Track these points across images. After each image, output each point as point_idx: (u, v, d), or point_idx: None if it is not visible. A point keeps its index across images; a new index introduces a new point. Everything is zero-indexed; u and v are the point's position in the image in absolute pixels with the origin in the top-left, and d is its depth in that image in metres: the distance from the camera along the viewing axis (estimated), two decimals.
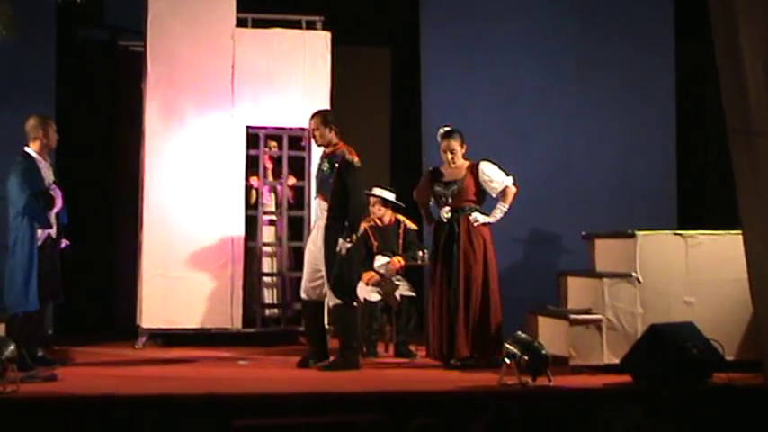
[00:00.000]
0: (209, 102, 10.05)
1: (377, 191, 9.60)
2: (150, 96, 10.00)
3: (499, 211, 8.76)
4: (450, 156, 8.82)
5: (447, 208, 8.78)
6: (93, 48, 11.27)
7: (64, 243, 8.69)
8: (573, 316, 8.49)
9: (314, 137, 8.81)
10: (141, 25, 10.17)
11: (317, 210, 8.75)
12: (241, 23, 10.18)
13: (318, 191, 8.72)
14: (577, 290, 8.97)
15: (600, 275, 8.64)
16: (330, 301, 8.60)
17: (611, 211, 10.25)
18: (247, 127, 10.14)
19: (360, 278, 9.18)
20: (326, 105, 9.99)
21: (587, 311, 8.54)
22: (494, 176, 8.74)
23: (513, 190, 8.76)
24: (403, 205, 9.68)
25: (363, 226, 9.35)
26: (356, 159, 8.57)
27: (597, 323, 8.43)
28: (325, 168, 8.60)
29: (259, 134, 10.21)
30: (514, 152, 10.16)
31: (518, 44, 10.57)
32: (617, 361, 8.14)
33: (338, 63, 10.29)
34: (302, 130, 9.97)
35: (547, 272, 9.53)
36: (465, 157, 8.87)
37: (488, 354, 8.56)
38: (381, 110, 11.75)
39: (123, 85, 11.06)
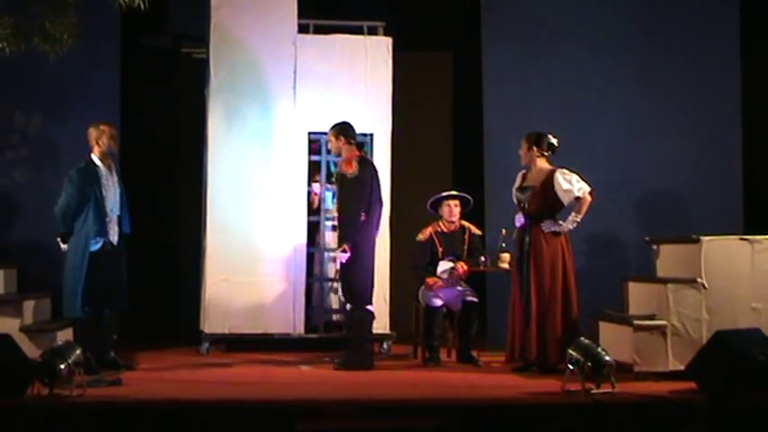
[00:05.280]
0: (272, 108, 10.13)
1: (451, 193, 9.63)
2: (213, 102, 10.10)
3: (570, 221, 8.80)
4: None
5: (520, 214, 8.87)
6: (157, 55, 11.41)
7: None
8: (637, 322, 8.47)
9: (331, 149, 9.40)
10: (204, 32, 10.27)
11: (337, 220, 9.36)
12: (303, 29, 10.24)
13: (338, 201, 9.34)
14: (641, 295, 8.94)
15: (664, 281, 8.60)
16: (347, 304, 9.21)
17: (675, 215, 10.18)
18: (309, 133, 10.21)
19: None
20: (388, 111, 10.16)
21: (651, 317, 8.52)
22: (565, 186, 8.78)
23: (586, 200, 8.78)
24: (471, 199, 9.72)
25: (429, 231, 9.47)
26: (350, 171, 9.06)
27: (662, 329, 8.40)
28: (336, 181, 9.31)
29: (321, 140, 10.26)
30: (577, 155, 10.08)
31: (581, 47, 10.50)
32: (682, 367, 8.07)
33: (400, 68, 10.32)
34: (364, 135, 10.02)
35: (610, 277, 9.49)
36: (550, 161, 8.96)
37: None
38: (443, 115, 11.77)
39: (186, 91, 11.18)
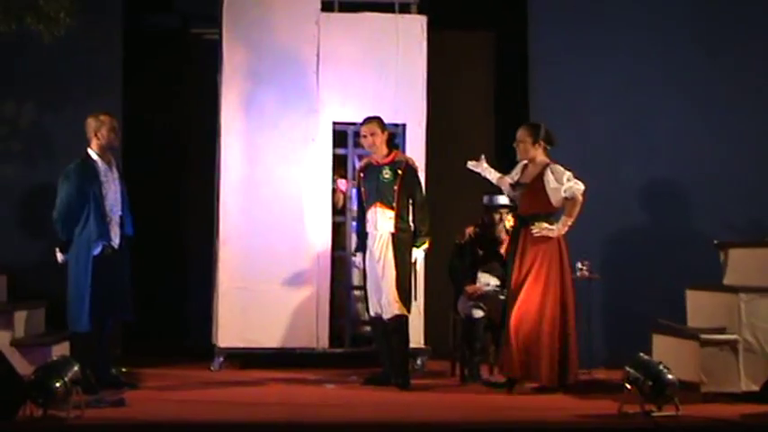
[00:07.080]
0: (292, 95, 10.09)
1: (503, 199, 9.50)
2: (226, 89, 10.07)
3: (561, 224, 8.67)
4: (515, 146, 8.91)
5: (510, 214, 8.82)
6: (164, 36, 11.41)
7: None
8: (704, 336, 8.39)
9: (370, 143, 9.21)
10: (216, 11, 10.26)
11: (378, 219, 9.09)
12: (327, 7, 10.20)
13: (377, 200, 9.11)
14: (708, 306, 8.86)
15: (735, 290, 8.52)
16: (388, 312, 8.98)
17: (747, 216, 10.07)
18: (334, 123, 10.15)
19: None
20: (423, 97, 10.10)
21: (721, 331, 8.44)
22: (553, 184, 8.65)
23: (577, 201, 8.62)
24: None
25: (468, 232, 9.40)
26: (416, 164, 9.30)
27: (732, 344, 8.33)
28: (387, 176, 9.12)
29: (347, 131, 10.19)
30: (633, 146, 10.07)
31: (638, 25, 10.44)
32: (756, 388, 8.08)
33: (435, 50, 10.26)
34: (396, 125, 9.95)
35: (672, 285, 9.42)
36: (548, 155, 8.82)
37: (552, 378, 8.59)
38: (484, 101, 11.68)
39: (196, 76, 11.16)
